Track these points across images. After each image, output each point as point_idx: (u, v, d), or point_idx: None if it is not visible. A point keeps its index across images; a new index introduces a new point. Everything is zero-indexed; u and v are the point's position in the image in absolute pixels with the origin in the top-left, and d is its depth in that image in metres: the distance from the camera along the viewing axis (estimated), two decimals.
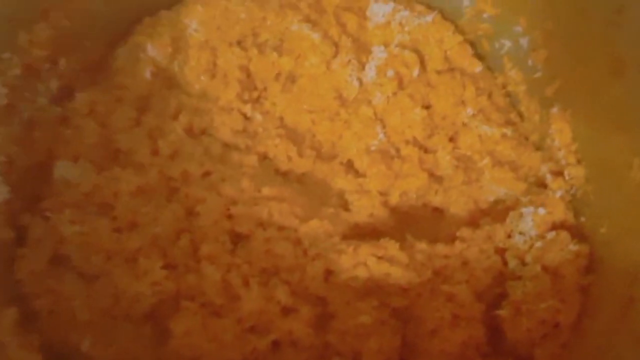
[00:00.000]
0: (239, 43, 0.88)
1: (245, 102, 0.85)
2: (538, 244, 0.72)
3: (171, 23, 0.87)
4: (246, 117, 0.85)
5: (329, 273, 0.73)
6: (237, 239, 0.76)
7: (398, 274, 0.71)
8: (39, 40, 0.74)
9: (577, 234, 0.72)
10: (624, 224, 0.62)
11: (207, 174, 0.80)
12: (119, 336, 0.71)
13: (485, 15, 0.84)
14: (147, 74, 0.84)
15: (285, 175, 0.84)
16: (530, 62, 0.80)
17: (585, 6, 0.67)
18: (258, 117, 0.85)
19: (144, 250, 0.73)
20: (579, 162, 0.75)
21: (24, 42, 0.72)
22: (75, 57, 0.81)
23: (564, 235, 0.71)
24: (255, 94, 0.87)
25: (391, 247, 0.73)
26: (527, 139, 0.84)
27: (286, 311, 0.71)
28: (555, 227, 0.74)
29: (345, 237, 0.77)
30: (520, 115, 0.86)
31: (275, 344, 0.71)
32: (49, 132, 0.79)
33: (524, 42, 0.80)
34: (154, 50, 0.85)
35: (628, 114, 0.63)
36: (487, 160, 0.82)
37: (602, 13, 0.64)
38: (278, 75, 0.87)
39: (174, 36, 0.87)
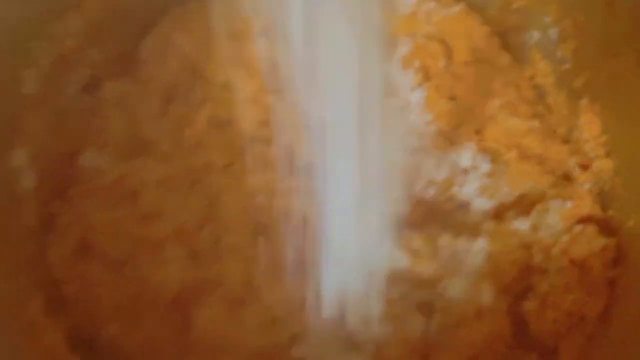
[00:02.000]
0: (264, 34, 0.88)
1: (269, 93, 0.85)
2: (564, 237, 0.71)
3: (199, 14, 0.88)
4: (270, 109, 0.86)
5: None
6: (260, 229, 0.77)
7: (422, 267, 0.71)
8: (72, 31, 0.75)
9: (605, 227, 0.71)
10: None
11: (230, 164, 0.80)
12: (144, 323, 0.72)
13: (514, 6, 0.83)
14: (174, 65, 0.85)
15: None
16: (559, 54, 0.79)
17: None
18: (281, 108, 0.86)
19: (170, 238, 0.75)
20: (607, 154, 0.73)
21: (57, 32, 0.73)
22: (106, 47, 0.82)
23: (591, 228, 0.70)
24: (280, 85, 0.87)
25: (415, 239, 0.73)
26: (554, 131, 0.83)
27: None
28: (582, 220, 0.72)
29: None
30: (548, 107, 0.85)
31: (298, 336, 0.71)
32: (78, 121, 0.80)
33: (553, 33, 0.78)
34: (182, 40, 0.86)
35: None
36: (513, 153, 0.81)
37: (631, 5, 0.63)
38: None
39: (201, 27, 0.87)
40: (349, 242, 0.73)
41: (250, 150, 0.83)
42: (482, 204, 0.81)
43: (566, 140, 0.81)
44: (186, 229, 0.76)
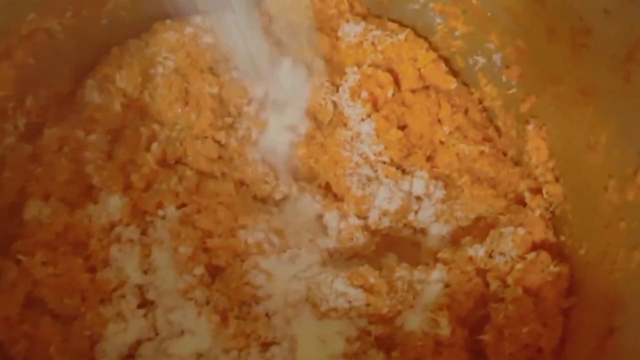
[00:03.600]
0: (210, 69, 0.87)
1: (219, 129, 0.84)
2: (519, 265, 0.71)
3: (140, 52, 0.86)
4: (221, 144, 0.84)
5: (309, 304, 0.72)
6: (215, 271, 0.76)
7: (378, 303, 0.70)
8: (3, 81, 0.72)
9: (558, 253, 0.71)
10: (601, 247, 0.61)
11: (182, 205, 0.78)
12: None
13: (457, 33, 0.83)
14: (117, 106, 0.83)
15: (263, 201, 0.83)
16: (504, 78, 0.79)
17: (554, 26, 0.66)
18: (233, 143, 0.84)
19: (119, 289, 0.72)
20: (556, 179, 0.74)
21: None
22: (42, 93, 0.79)
23: (544, 256, 0.70)
24: (229, 120, 0.86)
25: (370, 275, 0.72)
26: (505, 154, 0.84)
27: (266, 346, 0.70)
28: (536, 246, 0.73)
29: (325, 264, 0.76)
30: (498, 130, 0.85)
31: None
32: (19, 171, 0.77)
33: (497, 58, 0.79)
34: (123, 80, 0.84)
35: (600, 134, 0.62)
36: (465, 178, 0.81)
37: (570, 34, 0.63)
38: (251, 100, 0.86)
39: (143, 65, 0.85)
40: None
41: (202, 189, 0.81)
42: (438, 230, 0.81)
43: (517, 163, 0.82)
44: (137, 276, 0.74)
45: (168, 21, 0.87)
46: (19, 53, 0.73)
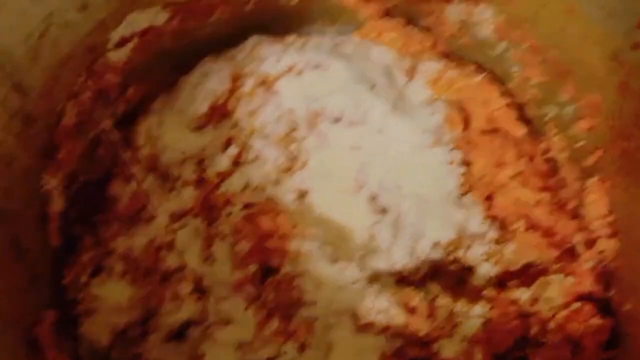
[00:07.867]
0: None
1: (293, 141, 0.89)
2: (562, 312, 0.72)
3: (233, 61, 0.93)
4: (292, 156, 0.89)
5: (350, 315, 0.75)
6: (268, 271, 0.80)
7: (417, 325, 0.72)
8: (114, 68, 0.81)
9: (603, 307, 0.71)
10: None
11: (247, 206, 0.84)
12: (147, 350, 0.75)
13: (533, 82, 0.85)
14: (205, 107, 0.90)
15: (322, 214, 0.87)
16: (574, 131, 0.81)
17: (628, 82, 0.68)
18: (304, 156, 0.89)
19: (178, 272, 0.78)
20: (613, 235, 0.74)
21: (99, 68, 0.79)
22: (143, 85, 0.87)
23: (589, 307, 0.70)
24: (303, 134, 0.90)
25: (413, 297, 0.74)
26: (564, 206, 0.84)
27: (302, 347, 0.73)
28: (582, 297, 0.73)
29: (371, 282, 0.79)
30: (561, 181, 0.86)
31: None
32: (109, 152, 0.85)
33: (569, 110, 0.80)
34: (214, 84, 0.91)
35: None
36: (521, 223, 0.82)
37: None
38: (325, 118, 0.90)
39: (234, 73, 0.92)
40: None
41: (268, 194, 0.86)
42: (486, 270, 0.82)
43: (575, 216, 0.82)
44: (196, 263, 0.79)
45: (263, 37, 0.94)
46: (132, 46, 0.81)
